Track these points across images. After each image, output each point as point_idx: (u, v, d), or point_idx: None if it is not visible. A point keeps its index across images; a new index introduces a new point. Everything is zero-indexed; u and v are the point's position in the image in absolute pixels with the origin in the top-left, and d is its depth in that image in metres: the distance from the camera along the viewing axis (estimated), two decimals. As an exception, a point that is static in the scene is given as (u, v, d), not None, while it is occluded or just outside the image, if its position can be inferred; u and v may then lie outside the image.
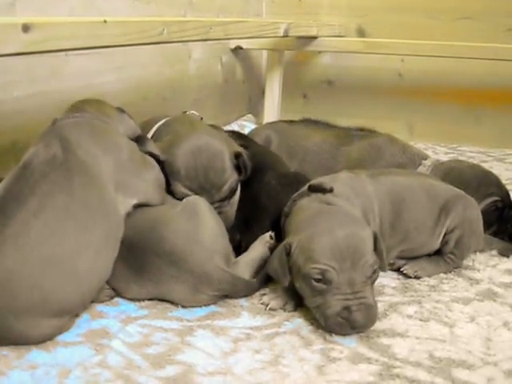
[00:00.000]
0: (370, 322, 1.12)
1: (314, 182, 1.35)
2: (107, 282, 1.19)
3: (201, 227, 1.22)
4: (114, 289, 1.22)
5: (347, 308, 1.10)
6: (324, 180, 1.35)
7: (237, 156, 1.44)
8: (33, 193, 1.07)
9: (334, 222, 1.18)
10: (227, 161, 1.41)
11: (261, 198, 1.44)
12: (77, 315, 1.12)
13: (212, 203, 1.35)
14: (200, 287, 1.18)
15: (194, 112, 1.57)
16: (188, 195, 1.34)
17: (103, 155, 1.18)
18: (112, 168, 1.19)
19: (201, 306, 1.20)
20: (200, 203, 1.27)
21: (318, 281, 1.12)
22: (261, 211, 1.29)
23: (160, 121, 1.50)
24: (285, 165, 1.68)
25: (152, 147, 1.35)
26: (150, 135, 1.48)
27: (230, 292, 1.22)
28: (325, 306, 1.11)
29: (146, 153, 1.31)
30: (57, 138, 1.16)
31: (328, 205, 1.26)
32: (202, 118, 1.58)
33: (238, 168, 1.44)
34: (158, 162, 1.34)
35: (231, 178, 1.41)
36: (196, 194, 1.35)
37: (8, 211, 1.05)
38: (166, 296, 1.21)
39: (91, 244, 1.09)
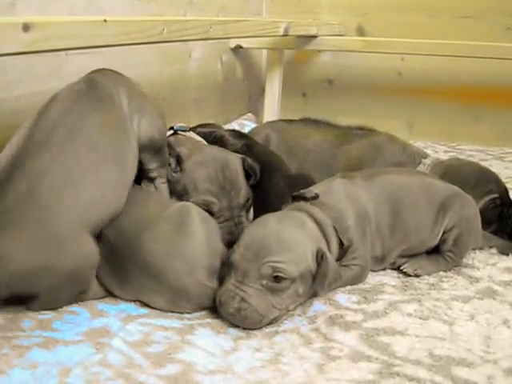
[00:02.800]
0: None
1: (303, 190, 1.34)
2: (100, 281, 1.22)
3: (185, 238, 1.19)
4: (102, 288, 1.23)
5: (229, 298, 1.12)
6: (315, 188, 1.35)
7: (242, 161, 1.45)
8: (61, 124, 1.16)
9: (273, 221, 1.19)
10: (238, 164, 1.43)
11: (270, 199, 1.45)
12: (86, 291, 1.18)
13: (232, 210, 1.36)
14: (178, 302, 1.17)
15: (182, 124, 1.57)
16: (212, 201, 1.34)
17: (128, 98, 1.30)
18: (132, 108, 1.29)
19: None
20: (192, 210, 1.24)
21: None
22: (269, 212, 1.30)
23: None
24: (287, 165, 1.68)
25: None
26: None
27: (212, 305, 1.18)
28: None
29: (176, 155, 1.37)
30: (81, 80, 1.29)
31: (298, 211, 1.25)
32: (190, 129, 1.57)
33: (246, 176, 1.45)
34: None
35: (245, 184, 1.42)
36: (217, 198, 1.35)
37: (38, 144, 1.14)
38: (148, 304, 1.19)
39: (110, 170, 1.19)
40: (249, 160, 1.45)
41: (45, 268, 1.08)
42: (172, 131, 1.54)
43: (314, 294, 1.22)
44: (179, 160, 1.35)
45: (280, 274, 1.12)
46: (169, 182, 1.39)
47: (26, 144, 1.14)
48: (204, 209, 1.32)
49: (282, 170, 1.57)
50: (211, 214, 1.33)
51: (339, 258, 1.29)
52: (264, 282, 1.12)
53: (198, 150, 1.42)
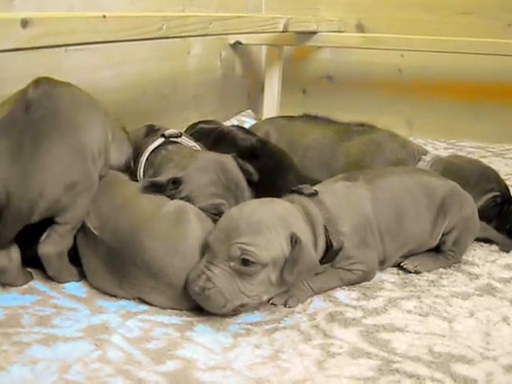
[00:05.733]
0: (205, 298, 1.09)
1: (302, 186, 1.31)
2: (89, 279, 1.24)
3: (183, 237, 1.19)
4: (101, 289, 1.23)
5: (195, 276, 1.11)
6: (317, 188, 1.32)
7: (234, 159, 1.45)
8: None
9: (253, 205, 1.18)
10: (234, 165, 1.42)
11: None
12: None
13: None
14: (178, 300, 1.17)
15: (172, 130, 1.54)
16: (221, 203, 1.34)
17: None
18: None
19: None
20: (188, 210, 1.24)
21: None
22: None
23: (144, 148, 1.51)
24: (297, 165, 1.69)
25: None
26: (142, 165, 1.48)
27: None
28: None
29: (169, 180, 1.34)
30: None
31: (289, 202, 1.23)
32: (181, 134, 1.54)
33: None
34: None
35: (245, 182, 1.42)
36: (225, 199, 1.35)
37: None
38: (149, 302, 1.19)
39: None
40: (239, 160, 1.45)
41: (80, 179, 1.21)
42: (163, 138, 1.50)
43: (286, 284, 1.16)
44: (176, 181, 1.34)
45: (248, 257, 1.08)
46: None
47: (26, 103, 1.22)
48: (213, 212, 1.32)
49: (296, 169, 1.58)
50: (221, 215, 1.32)
51: (329, 260, 1.25)
52: (232, 264, 1.09)
53: (193, 158, 1.40)
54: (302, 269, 1.11)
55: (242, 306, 1.12)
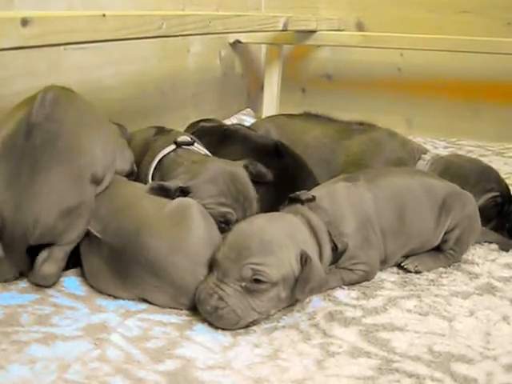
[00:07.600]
0: (219, 318, 1.09)
1: (299, 192, 1.30)
2: (92, 283, 1.23)
3: (186, 235, 1.18)
4: (103, 292, 1.22)
5: (207, 296, 1.10)
6: (317, 191, 1.32)
7: (246, 168, 1.44)
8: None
9: (261, 221, 1.17)
10: (245, 174, 1.42)
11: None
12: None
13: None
14: (179, 298, 1.17)
15: (185, 137, 1.53)
16: (229, 212, 1.34)
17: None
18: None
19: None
20: (191, 207, 1.24)
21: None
22: None
23: (153, 150, 1.51)
24: None
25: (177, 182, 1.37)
26: (151, 171, 1.48)
27: None
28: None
29: (178, 188, 1.33)
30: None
31: (293, 214, 1.22)
32: (194, 141, 1.53)
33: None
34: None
35: (255, 192, 1.41)
36: (232, 209, 1.35)
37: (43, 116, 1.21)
38: (151, 301, 1.19)
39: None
40: (251, 166, 1.44)
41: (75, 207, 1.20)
42: (174, 145, 1.49)
43: (296, 300, 1.18)
44: (183, 190, 1.33)
45: (260, 278, 1.09)
46: None
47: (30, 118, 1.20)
48: (221, 220, 1.32)
49: (313, 176, 1.61)
50: (228, 223, 1.32)
51: (334, 262, 1.26)
52: (243, 283, 1.09)
53: (204, 167, 1.39)
54: (314, 286, 1.13)
55: (253, 321, 1.12)
